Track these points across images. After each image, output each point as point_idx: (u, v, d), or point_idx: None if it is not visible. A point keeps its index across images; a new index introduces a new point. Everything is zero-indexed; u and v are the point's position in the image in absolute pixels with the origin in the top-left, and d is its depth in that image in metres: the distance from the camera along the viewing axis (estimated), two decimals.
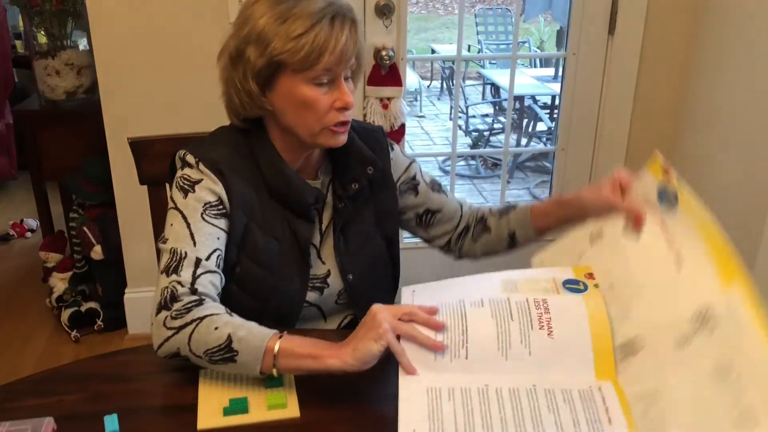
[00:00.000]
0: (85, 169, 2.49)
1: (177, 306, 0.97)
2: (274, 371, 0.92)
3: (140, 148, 1.40)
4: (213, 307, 0.98)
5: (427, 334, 0.89)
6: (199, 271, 1.01)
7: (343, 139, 1.10)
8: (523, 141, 4.98)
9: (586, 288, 0.96)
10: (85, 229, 2.41)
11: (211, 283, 1.02)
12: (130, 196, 2.30)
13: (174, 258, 1.02)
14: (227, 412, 0.93)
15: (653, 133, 2.52)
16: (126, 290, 2.46)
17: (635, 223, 0.99)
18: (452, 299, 0.96)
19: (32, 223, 3.40)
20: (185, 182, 1.08)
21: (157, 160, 1.34)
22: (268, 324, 0.96)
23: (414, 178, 1.28)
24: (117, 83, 2.22)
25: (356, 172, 1.16)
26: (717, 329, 0.79)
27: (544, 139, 5.01)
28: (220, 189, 1.07)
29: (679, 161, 2.47)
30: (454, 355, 0.89)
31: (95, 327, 2.48)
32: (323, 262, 1.19)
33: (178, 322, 0.95)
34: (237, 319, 0.96)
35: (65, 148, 2.59)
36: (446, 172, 4.35)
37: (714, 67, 2.28)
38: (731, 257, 0.85)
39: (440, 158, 4.79)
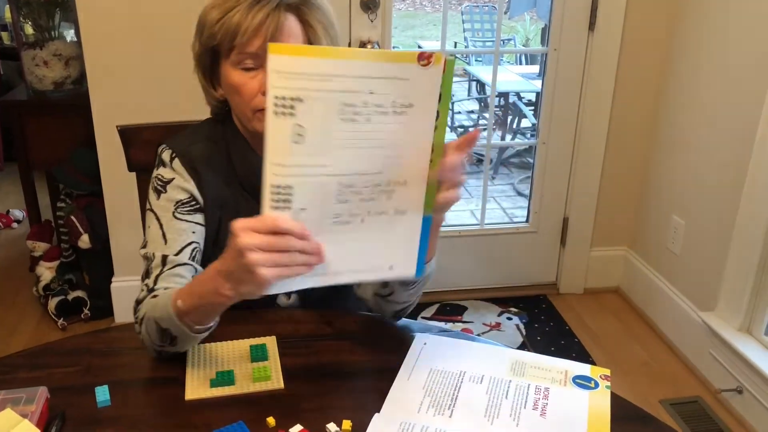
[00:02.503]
0: (73, 160, 2.51)
1: (139, 314, 1.02)
2: (202, 327, 0.95)
3: (129, 135, 1.42)
4: (153, 299, 1.01)
5: (302, 246, 0.83)
6: (166, 269, 1.05)
7: None
8: (508, 138, 5.03)
9: (596, 386, 0.99)
10: (72, 218, 2.43)
11: (176, 275, 1.05)
12: (117, 186, 2.33)
13: (146, 263, 1.07)
14: (214, 383, 0.97)
15: (632, 126, 2.58)
16: (113, 279, 2.49)
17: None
18: (454, 367, 1.01)
19: (18, 214, 3.40)
20: (158, 183, 1.12)
21: (146, 147, 1.36)
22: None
23: None
24: (105, 73, 2.24)
25: None
26: None
27: (528, 136, 5.07)
28: (191, 186, 1.11)
29: (656, 151, 2.53)
30: (438, 412, 0.93)
31: (82, 315, 2.50)
32: None
33: (137, 326, 1.02)
34: (155, 300, 0.99)
35: (53, 138, 2.60)
36: None
37: (691, 62, 2.34)
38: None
39: None
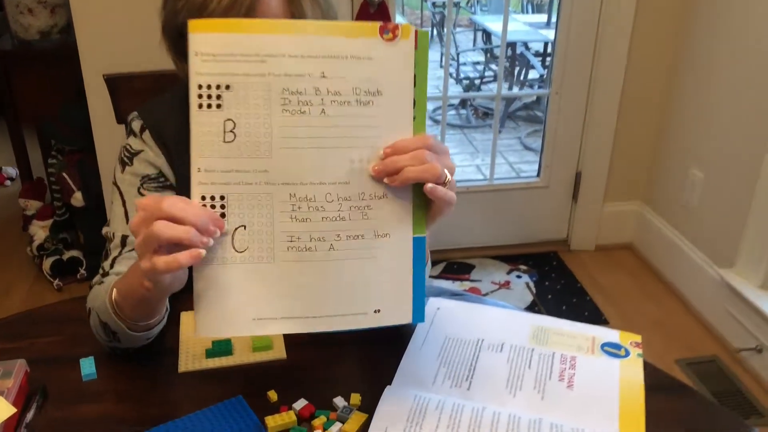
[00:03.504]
0: (63, 113, 2.40)
1: (88, 302, 0.92)
2: (142, 325, 0.84)
3: (117, 84, 1.33)
4: (99, 286, 0.91)
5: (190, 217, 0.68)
6: (125, 251, 0.94)
7: None
8: (515, 89, 4.89)
9: (627, 354, 0.91)
10: (64, 174, 2.34)
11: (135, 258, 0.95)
12: (109, 141, 2.22)
13: (107, 244, 0.97)
14: (210, 354, 0.89)
15: (649, 74, 2.45)
16: None
17: None
18: (471, 334, 0.92)
19: (12, 171, 3.30)
20: (125, 154, 1.00)
21: (136, 97, 1.27)
22: None
23: None
24: (93, 20, 2.12)
25: None
26: None
27: (536, 87, 4.92)
28: (161, 162, 0.99)
29: (675, 100, 2.42)
30: (455, 384, 0.84)
31: (78, 276, 2.42)
32: None
33: (89, 319, 0.90)
34: (97, 289, 0.90)
35: (41, 90, 2.49)
36: (437, 122, 4.26)
37: (711, 8, 2.20)
38: None
39: (430, 107, 4.69)
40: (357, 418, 0.78)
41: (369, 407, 0.79)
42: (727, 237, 2.17)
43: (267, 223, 0.71)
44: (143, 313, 0.82)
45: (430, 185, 0.72)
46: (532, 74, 4.85)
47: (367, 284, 0.74)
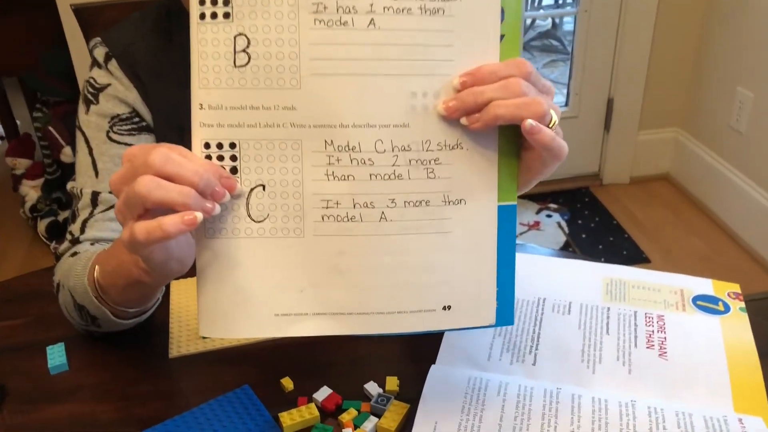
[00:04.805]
0: (44, 62, 2.21)
1: (55, 276, 0.74)
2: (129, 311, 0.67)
3: (87, 17, 1.16)
4: (72, 258, 0.72)
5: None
6: (97, 211, 0.76)
7: None
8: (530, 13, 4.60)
9: (727, 309, 0.73)
10: (50, 128, 2.15)
11: (113, 220, 0.76)
12: None
13: (74, 203, 0.78)
14: None
15: None
16: None
17: None
18: (529, 293, 0.73)
19: None
20: (89, 90, 0.80)
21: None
22: None
23: None
24: None
25: None
26: None
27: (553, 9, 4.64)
28: (134, 97, 0.80)
29: (717, 11, 2.17)
30: (517, 358, 0.66)
31: None
32: None
33: (57, 296, 0.72)
34: (71, 262, 0.70)
35: (18, 39, 2.29)
36: None
37: None
38: None
39: None
40: (396, 410, 0.61)
41: (410, 394, 0.62)
42: None
43: (294, 182, 0.52)
44: (134, 298, 0.65)
45: (530, 122, 0.50)
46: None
47: (432, 270, 0.54)
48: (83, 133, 0.79)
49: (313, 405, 0.62)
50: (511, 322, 0.57)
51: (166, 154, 0.49)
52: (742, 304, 0.74)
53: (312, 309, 0.54)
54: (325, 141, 0.52)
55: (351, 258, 0.53)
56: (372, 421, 0.61)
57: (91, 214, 0.76)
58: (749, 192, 2.09)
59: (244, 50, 0.50)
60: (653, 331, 0.70)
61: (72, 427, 0.63)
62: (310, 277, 0.54)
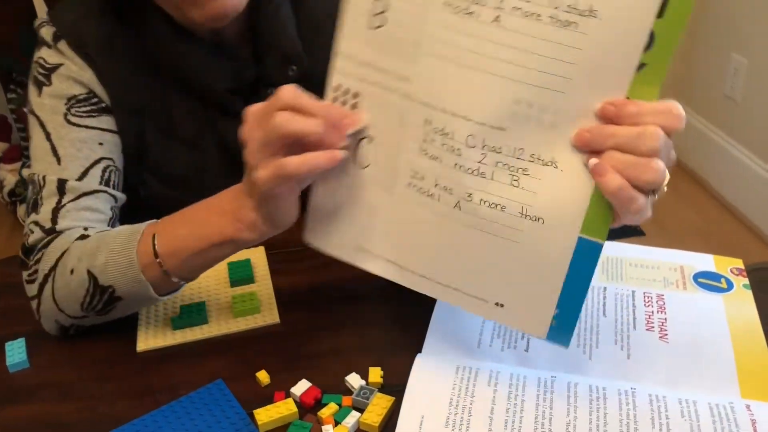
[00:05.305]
0: (19, 40, 2.14)
1: (30, 261, 0.68)
2: (179, 281, 0.65)
3: None
4: (62, 242, 0.68)
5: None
6: (65, 200, 0.70)
7: (216, 7, 0.67)
8: None
9: (730, 287, 0.69)
10: (25, 110, 2.09)
11: (87, 209, 0.71)
12: None
13: (33, 189, 0.72)
14: (178, 324, 0.67)
15: None
16: None
17: None
18: None
19: None
20: (39, 71, 0.74)
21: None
22: None
23: None
24: None
25: (273, 72, 0.77)
26: None
27: None
28: (89, 76, 0.74)
29: None
30: (508, 344, 0.63)
31: None
32: None
33: (35, 286, 0.67)
34: (90, 242, 0.66)
35: None
36: None
37: None
38: None
39: None
40: (381, 403, 0.57)
41: (395, 386, 0.58)
42: None
43: (394, 145, 0.55)
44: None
45: (618, 182, 0.48)
46: None
47: (494, 268, 0.55)
48: (37, 117, 0.73)
49: (290, 400, 0.58)
50: (566, 345, 0.55)
51: (295, 90, 0.53)
52: (746, 281, 0.70)
53: (387, 255, 0.59)
54: (426, 119, 0.53)
55: (425, 228, 0.56)
56: (354, 416, 0.56)
57: (60, 203, 0.70)
58: (745, 161, 2.06)
59: (380, 13, 0.53)
60: (653, 312, 0.65)
61: (32, 429, 0.59)
62: (388, 228, 0.58)
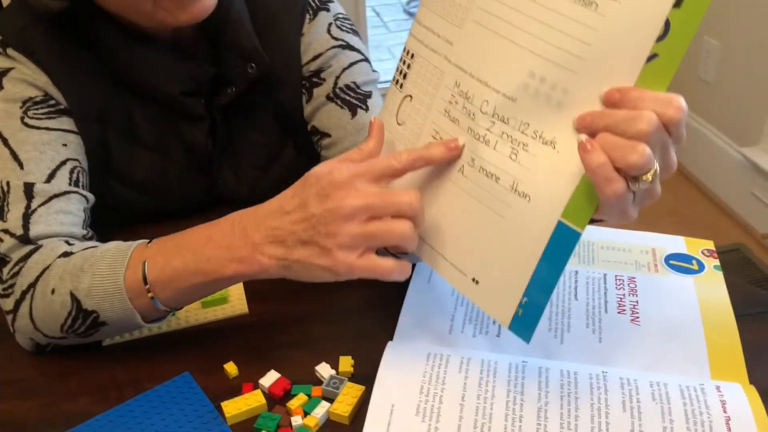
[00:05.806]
0: None
1: (5, 273, 0.64)
2: (168, 311, 0.61)
3: None
4: (43, 257, 0.63)
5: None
6: (34, 204, 0.66)
7: (199, 7, 0.66)
8: None
9: (701, 268, 0.68)
10: None
11: (60, 212, 0.68)
12: None
13: None
14: None
15: None
16: None
17: None
18: None
19: None
20: None
21: None
22: None
23: (319, 73, 0.78)
24: None
25: (231, 70, 0.75)
26: None
27: None
28: (45, 80, 0.71)
29: None
30: (480, 330, 0.62)
31: None
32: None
33: (11, 301, 0.63)
34: (74, 261, 0.62)
35: None
36: (412, 15, 3.91)
37: None
38: None
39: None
40: (351, 393, 0.56)
41: (366, 375, 0.57)
42: (749, 113, 1.93)
43: (426, 105, 0.57)
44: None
45: (601, 160, 0.46)
46: None
47: (477, 240, 0.54)
48: None
49: (259, 392, 0.57)
50: (527, 340, 0.53)
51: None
52: (717, 262, 0.70)
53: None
54: (456, 82, 0.54)
55: (432, 188, 0.57)
56: (324, 406, 0.55)
57: (30, 208, 0.66)
58: (718, 143, 2.07)
59: None
60: (624, 295, 0.65)
61: None
62: (403, 186, 0.58)
